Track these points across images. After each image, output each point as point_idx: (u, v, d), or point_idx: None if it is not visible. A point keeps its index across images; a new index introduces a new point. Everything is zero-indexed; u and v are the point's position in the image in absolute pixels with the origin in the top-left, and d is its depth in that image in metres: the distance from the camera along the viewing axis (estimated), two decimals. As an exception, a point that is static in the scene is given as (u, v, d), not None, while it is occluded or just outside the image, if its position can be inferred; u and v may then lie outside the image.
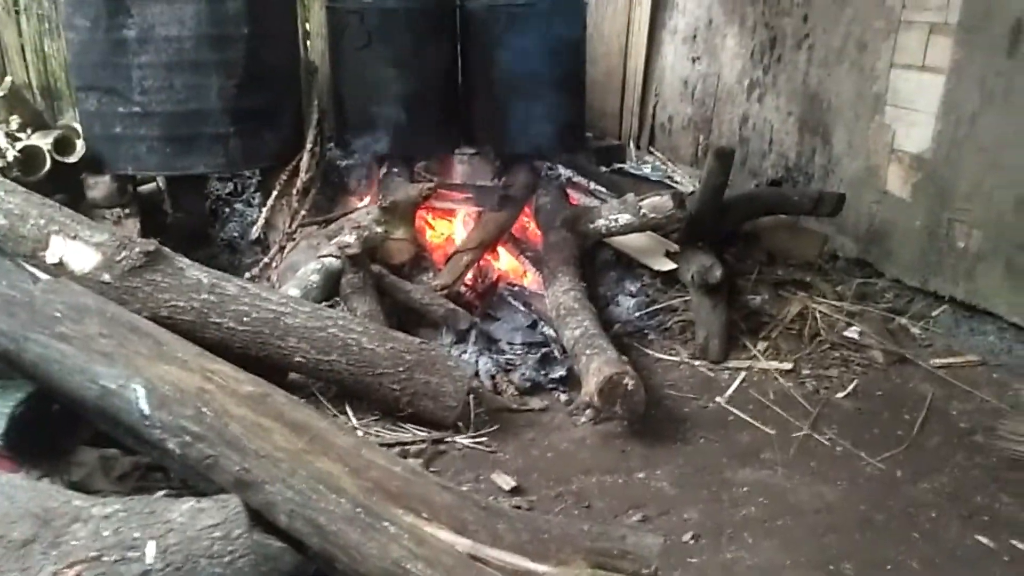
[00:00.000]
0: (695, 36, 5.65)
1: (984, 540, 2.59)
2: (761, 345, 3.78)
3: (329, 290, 3.72)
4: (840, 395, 3.44)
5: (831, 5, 4.44)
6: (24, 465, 2.12)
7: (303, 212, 4.42)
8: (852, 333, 3.83)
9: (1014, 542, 2.58)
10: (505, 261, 4.39)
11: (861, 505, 2.76)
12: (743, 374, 3.59)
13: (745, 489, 2.85)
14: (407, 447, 3.00)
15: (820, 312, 3.96)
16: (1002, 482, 2.87)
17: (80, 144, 4.24)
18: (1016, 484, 2.86)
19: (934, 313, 3.96)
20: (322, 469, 1.96)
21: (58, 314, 2.01)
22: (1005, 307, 3.64)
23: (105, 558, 1.70)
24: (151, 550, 1.72)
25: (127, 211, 4.33)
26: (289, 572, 2.17)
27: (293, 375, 3.24)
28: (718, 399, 3.42)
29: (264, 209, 4.45)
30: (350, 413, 3.15)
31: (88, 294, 2.19)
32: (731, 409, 3.35)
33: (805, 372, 3.61)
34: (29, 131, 4.32)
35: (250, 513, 1.88)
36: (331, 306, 3.59)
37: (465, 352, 3.59)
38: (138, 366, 1.97)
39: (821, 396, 3.44)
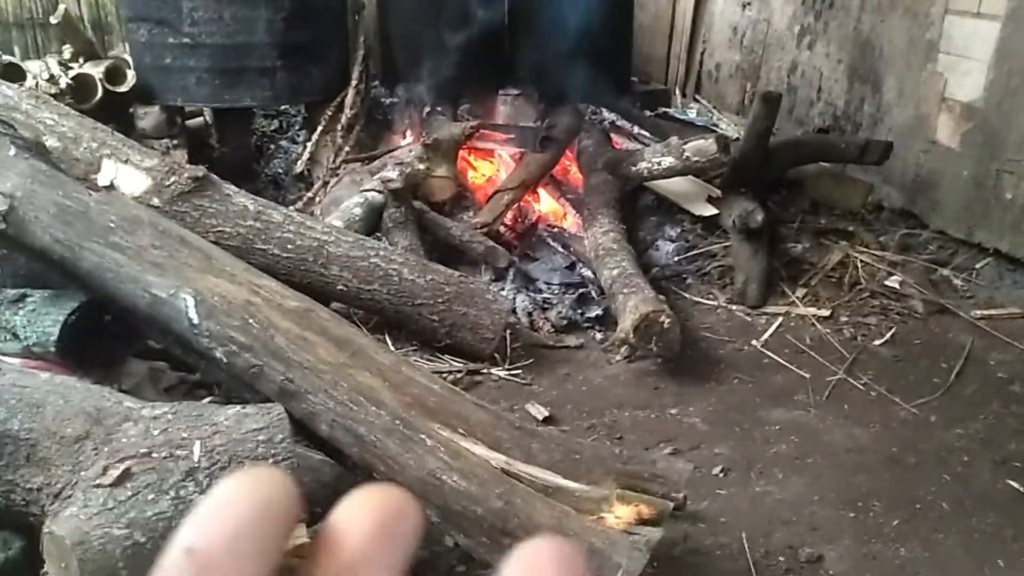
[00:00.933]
0: (746, -19, 5.55)
1: (1016, 485, 2.59)
2: (800, 292, 3.77)
3: (371, 224, 3.76)
4: (877, 342, 3.43)
5: (887, -50, 4.34)
6: (77, 371, 2.20)
7: (347, 148, 4.46)
8: (893, 282, 3.80)
9: (1046, 489, 2.58)
10: (545, 203, 4.40)
11: (893, 447, 2.77)
12: (780, 319, 3.59)
13: (777, 428, 2.87)
14: (444, 376, 3.06)
15: (861, 261, 3.93)
16: (1037, 431, 2.87)
17: (131, 74, 4.31)
18: (1051, 433, 2.85)
19: (978, 265, 3.91)
20: (363, 383, 2.02)
21: (112, 224, 2.07)
22: (1051, 261, 3.60)
23: (154, 455, 1.77)
24: (198, 449, 1.79)
25: (175, 142, 4.41)
26: (328, 483, 2.25)
27: (334, 304, 3.31)
28: (754, 342, 3.43)
29: (309, 144, 4.49)
30: (389, 342, 3.20)
31: (140, 207, 2.26)
32: (766, 352, 3.36)
33: (843, 319, 3.60)
34: (81, 60, 4.39)
35: (292, 425, 1.95)
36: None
37: (503, 289, 3.63)
38: (188, 277, 2.03)
39: (858, 343, 3.43)
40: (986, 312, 3.62)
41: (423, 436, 1.94)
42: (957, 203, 4.01)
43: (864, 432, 2.86)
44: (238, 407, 1.92)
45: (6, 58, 4.23)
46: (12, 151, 2.18)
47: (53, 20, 4.36)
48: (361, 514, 0.38)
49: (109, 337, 2.36)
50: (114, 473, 1.70)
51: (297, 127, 5.21)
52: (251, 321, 2.00)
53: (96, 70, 4.21)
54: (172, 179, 3.08)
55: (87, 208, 2.08)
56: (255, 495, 0.36)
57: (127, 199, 2.26)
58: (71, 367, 2.20)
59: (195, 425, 1.84)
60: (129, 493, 1.68)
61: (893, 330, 3.50)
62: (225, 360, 1.99)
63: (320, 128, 4.49)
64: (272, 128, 5.32)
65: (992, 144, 3.79)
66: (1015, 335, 3.46)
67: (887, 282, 3.81)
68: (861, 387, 3.13)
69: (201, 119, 4.92)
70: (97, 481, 1.71)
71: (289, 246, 3.11)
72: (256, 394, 2.06)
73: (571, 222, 4.24)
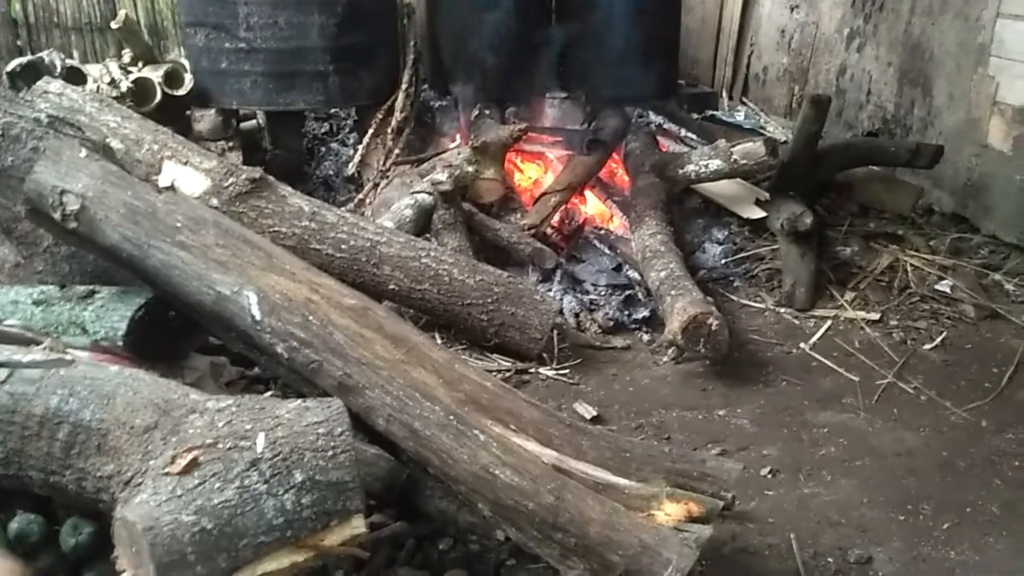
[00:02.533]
0: (794, -16, 5.54)
1: (1069, 491, 2.57)
2: (849, 295, 3.76)
3: (421, 225, 3.82)
4: (928, 347, 3.42)
5: (939, -48, 4.31)
6: (143, 365, 2.27)
7: (397, 151, 4.53)
8: (943, 287, 3.78)
9: (1099, 494, 2.56)
10: (592, 205, 4.44)
11: (943, 451, 2.76)
12: (829, 323, 3.58)
13: (825, 430, 2.88)
14: (494, 375, 3.10)
15: (911, 265, 3.91)
16: (1091, 437, 2.84)
17: (188, 78, 4.42)
18: (1106, 439, 2.82)
19: (1031, 270, 3.88)
20: (418, 379, 2.07)
21: (179, 224, 2.14)
22: (1106, 266, 3.55)
23: (220, 445, 1.83)
24: (261, 440, 1.84)
25: (230, 144, 4.52)
26: (383, 477, 2.31)
27: (386, 303, 3.37)
28: (802, 345, 3.43)
29: (360, 147, 4.58)
30: (439, 341, 3.25)
31: (204, 207, 2.33)
32: (815, 355, 3.36)
33: (892, 323, 3.58)
34: (140, 64, 4.51)
35: (350, 417, 2.00)
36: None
37: (550, 290, 3.66)
38: (251, 275, 2.10)
39: (908, 347, 3.42)
40: (1039, 317, 3.58)
41: (476, 431, 1.98)
42: (1009, 207, 3.97)
43: (914, 436, 2.85)
44: (298, 401, 1.97)
45: (69, 62, 4.36)
46: (83, 153, 2.27)
47: (114, 25, 4.48)
48: None
49: (173, 332, 2.43)
50: (182, 462, 1.76)
51: (347, 130, 5.31)
52: (311, 318, 2.06)
53: (155, 74, 4.33)
54: (231, 180, 3.17)
55: (155, 208, 2.16)
56: None
57: (192, 199, 2.33)
58: (138, 361, 2.28)
59: (258, 418, 1.89)
60: (196, 482, 1.74)
61: (944, 334, 3.48)
62: (286, 356, 2.05)
63: (371, 131, 4.57)
64: (323, 131, 5.41)
65: (1046, 148, 3.75)
66: (1069, 340, 3.42)
67: (937, 286, 3.78)
68: (911, 391, 3.12)
69: (254, 122, 5.03)
70: (166, 470, 1.77)
71: (343, 246, 3.18)
72: (314, 388, 2.11)
73: (618, 224, 4.27)
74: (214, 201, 3.12)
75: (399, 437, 2.01)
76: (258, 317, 2.05)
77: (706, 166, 4.11)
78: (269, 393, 2.30)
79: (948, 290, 3.76)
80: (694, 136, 4.83)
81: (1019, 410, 2.99)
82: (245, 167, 3.31)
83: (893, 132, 4.69)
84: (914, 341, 3.45)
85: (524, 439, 2.07)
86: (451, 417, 2.00)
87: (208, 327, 2.31)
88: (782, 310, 3.71)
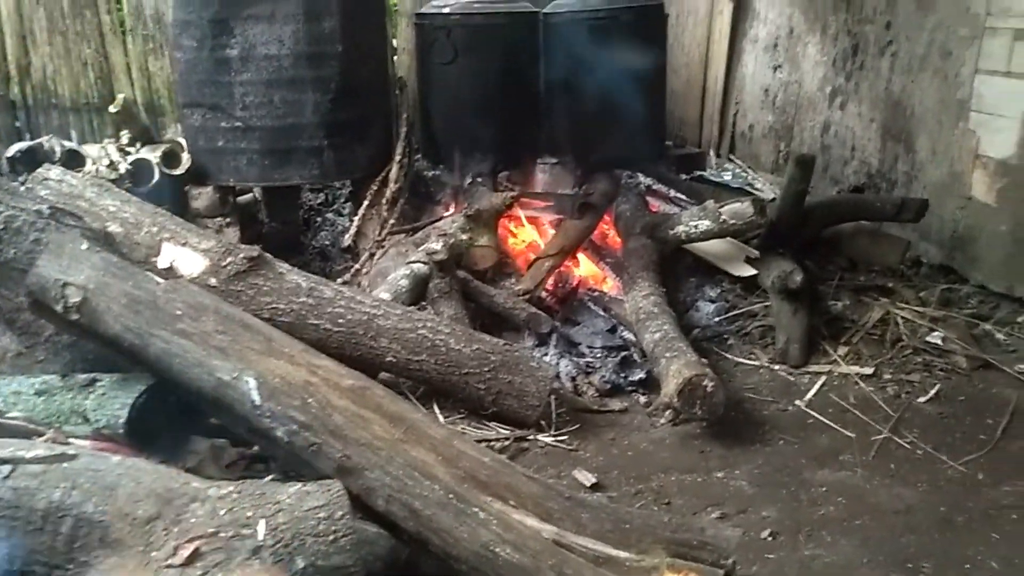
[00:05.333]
0: (776, 45, 5.67)
1: (1067, 543, 2.58)
2: (842, 350, 3.80)
3: (417, 294, 3.87)
4: (922, 399, 3.44)
5: (914, 12, 4.43)
6: (144, 452, 2.30)
7: (392, 221, 4.60)
8: (935, 338, 3.81)
9: (1098, 546, 2.57)
10: (585, 267, 4.50)
11: (941, 506, 2.77)
12: (823, 378, 3.61)
13: (824, 489, 2.89)
14: (491, 444, 3.12)
15: (902, 318, 3.96)
16: (1087, 487, 2.86)
17: (186, 157, 4.51)
18: (1101, 489, 2.84)
19: (1020, 319, 3.92)
20: (417, 457, 2.10)
21: (179, 312, 2.19)
22: (1093, 313, 3.60)
23: (222, 534, 1.86)
24: (262, 528, 1.87)
25: (227, 220, 4.58)
26: (384, 556, 2.32)
27: (384, 374, 3.41)
28: (797, 402, 3.46)
29: (356, 218, 4.65)
30: (437, 411, 3.28)
31: (204, 293, 2.38)
32: (811, 412, 3.38)
33: (886, 377, 3.61)
34: (138, 145, 4.60)
35: (350, 499, 2.03)
36: (419, 310, 3.75)
37: (546, 355, 3.70)
38: (250, 360, 2.14)
39: (902, 400, 3.44)
40: (1030, 366, 3.62)
41: (476, 509, 2.00)
42: (996, 258, 4.03)
43: (911, 492, 2.87)
44: (299, 485, 2.01)
45: (68, 145, 4.45)
46: (84, 245, 2.33)
47: (112, 109, 4.58)
48: None
49: (173, 416, 2.47)
50: (184, 553, 1.79)
51: (343, 200, 5.39)
52: (310, 400, 2.10)
53: (153, 154, 4.42)
54: (228, 259, 3.23)
55: (155, 297, 2.21)
56: None
57: (192, 287, 2.39)
58: (139, 448, 2.32)
59: (259, 504, 1.93)
60: (199, 572, 1.76)
61: (937, 387, 3.51)
62: (286, 439, 2.08)
63: (366, 202, 4.64)
64: (319, 201, 5.49)
65: (1029, 199, 3.82)
66: (1061, 389, 3.45)
67: (929, 338, 3.82)
68: (907, 445, 3.14)
69: (251, 195, 5.11)
70: (168, 561, 1.80)
71: (340, 320, 3.22)
72: (314, 470, 2.15)
73: (611, 286, 4.33)
74: (212, 280, 3.18)
75: (399, 517, 2.04)
76: (258, 402, 2.10)
77: (696, 227, 4.18)
78: (271, 478, 2.32)
79: (940, 341, 3.80)
80: (683, 196, 4.91)
81: (1014, 462, 3.01)
82: (243, 246, 3.37)
83: (879, 187, 4.77)
84: (908, 394, 3.48)
85: (524, 515, 2.09)
86: (451, 495, 2.03)
87: (209, 412, 2.35)
88: (777, 367, 3.74)
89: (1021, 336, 3.85)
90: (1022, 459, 3.02)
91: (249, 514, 1.91)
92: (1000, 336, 3.87)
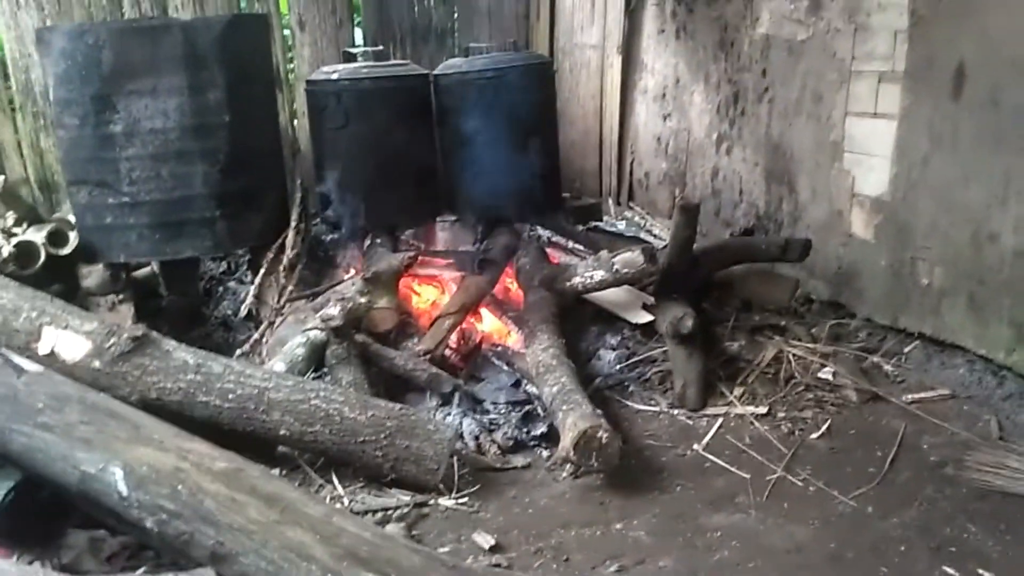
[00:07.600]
0: (664, 95, 5.84)
1: (951, 571, 2.65)
2: (737, 391, 3.87)
3: (315, 362, 3.83)
4: (814, 436, 3.52)
5: (787, 60, 4.62)
6: (15, 550, 2.22)
7: (290, 287, 4.55)
8: (826, 374, 3.92)
9: (980, 571, 2.64)
10: (488, 322, 4.52)
11: (831, 543, 2.83)
12: (720, 420, 3.68)
13: (718, 534, 2.93)
14: (390, 512, 3.09)
15: (795, 355, 4.06)
16: (970, 513, 2.94)
17: (73, 236, 4.41)
18: (983, 514, 2.93)
19: (906, 350, 4.05)
20: (294, 538, 2.07)
21: (40, 405, 2.14)
22: (971, 340, 3.74)
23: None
24: (130, 625, 1.82)
25: (121, 297, 4.47)
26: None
27: (280, 448, 3.35)
28: (695, 446, 3.51)
29: (252, 287, 4.59)
30: (336, 482, 3.23)
31: (68, 383, 2.33)
32: (708, 455, 3.43)
33: (780, 415, 3.69)
34: (24, 226, 4.49)
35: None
36: (318, 377, 3.71)
37: (450, 415, 3.69)
38: (116, 449, 2.09)
39: (796, 437, 3.52)
40: (917, 396, 3.74)
41: (355, 587, 1.98)
42: (879, 291, 4.18)
43: (804, 530, 2.92)
44: (171, 575, 1.96)
45: (-52, 229, 4.32)
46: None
47: (-6, 191, 4.48)
48: None
49: (48, 510, 2.39)
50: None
51: (244, 267, 5.31)
52: (180, 488, 2.05)
53: (38, 236, 4.31)
54: (112, 340, 3.17)
55: (16, 391, 2.15)
56: None
57: (56, 376, 2.33)
58: (9, 547, 2.23)
59: (126, 600, 1.87)
60: None
61: (828, 422, 3.60)
62: (156, 529, 2.03)
63: (263, 270, 4.60)
64: (220, 270, 5.41)
65: (903, 234, 3.98)
66: (945, 416, 3.57)
67: (820, 374, 3.93)
68: (800, 483, 3.20)
69: (149, 269, 5.01)
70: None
71: (230, 396, 3.17)
72: (190, 559, 2.09)
73: (515, 339, 4.35)
74: (96, 363, 3.11)
75: (277, 601, 2.00)
76: (125, 493, 2.04)
77: (591, 277, 4.24)
78: (143, 570, 2.25)
79: (831, 377, 3.90)
80: (581, 246, 4.98)
81: (901, 493, 3.09)
82: (128, 325, 3.31)
83: (767, 228, 4.92)
84: (801, 432, 3.56)
85: (405, 588, 2.07)
86: (328, 575, 2.00)
87: (79, 506, 2.28)
88: (675, 411, 3.80)
89: (907, 367, 3.98)
90: (909, 490, 3.11)
91: (116, 612, 1.85)
92: (888, 368, 3.99)
